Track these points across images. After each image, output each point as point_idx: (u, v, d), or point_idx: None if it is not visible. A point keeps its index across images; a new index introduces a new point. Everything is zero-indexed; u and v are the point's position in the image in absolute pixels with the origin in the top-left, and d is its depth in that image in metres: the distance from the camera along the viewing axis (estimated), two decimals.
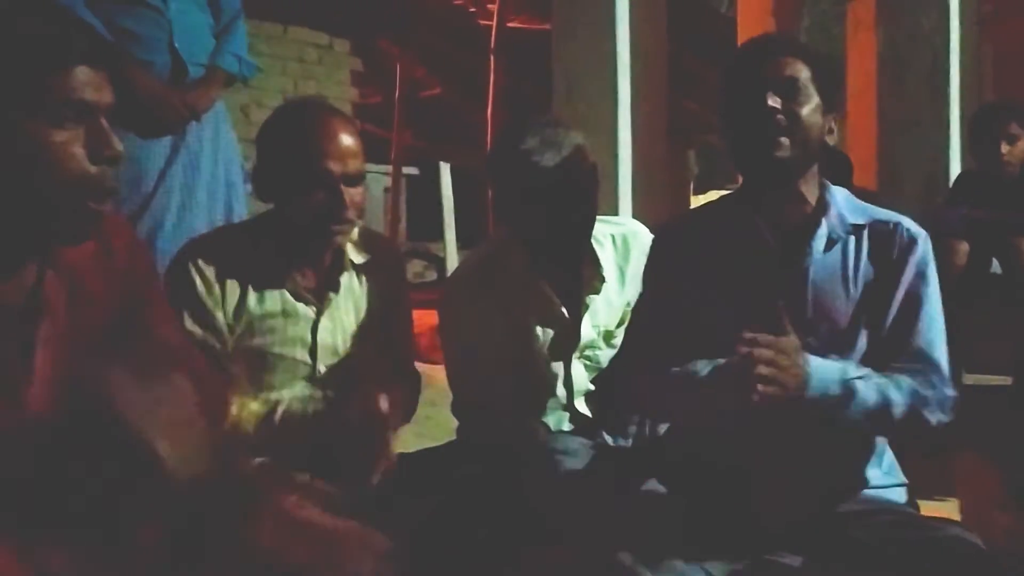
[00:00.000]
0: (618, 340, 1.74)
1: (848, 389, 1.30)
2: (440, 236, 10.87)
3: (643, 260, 1.74)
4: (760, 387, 1.22)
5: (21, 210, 0.94)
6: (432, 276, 10.53)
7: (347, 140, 1.51)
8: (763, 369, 1.23)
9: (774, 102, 1.34)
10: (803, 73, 1.38)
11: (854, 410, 1.30)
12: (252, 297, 1.54)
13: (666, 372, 1.40)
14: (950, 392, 1.37)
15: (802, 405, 1.28)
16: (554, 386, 1.73)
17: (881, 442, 1.44)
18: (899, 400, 1.32)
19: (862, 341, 1.39)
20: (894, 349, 1.37)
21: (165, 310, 1.19)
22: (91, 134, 0.94)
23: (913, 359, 1.37)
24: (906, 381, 1.34)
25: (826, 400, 1.29)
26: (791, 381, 1.25)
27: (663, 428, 1.65)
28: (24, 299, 0.99)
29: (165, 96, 2.21)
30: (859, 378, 1.31)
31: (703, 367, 1.36)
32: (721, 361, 1.31)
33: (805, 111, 1.37)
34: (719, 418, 1.34)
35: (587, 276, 1.72)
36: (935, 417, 1.35)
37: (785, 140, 1.35)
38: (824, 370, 1.29)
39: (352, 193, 1.51)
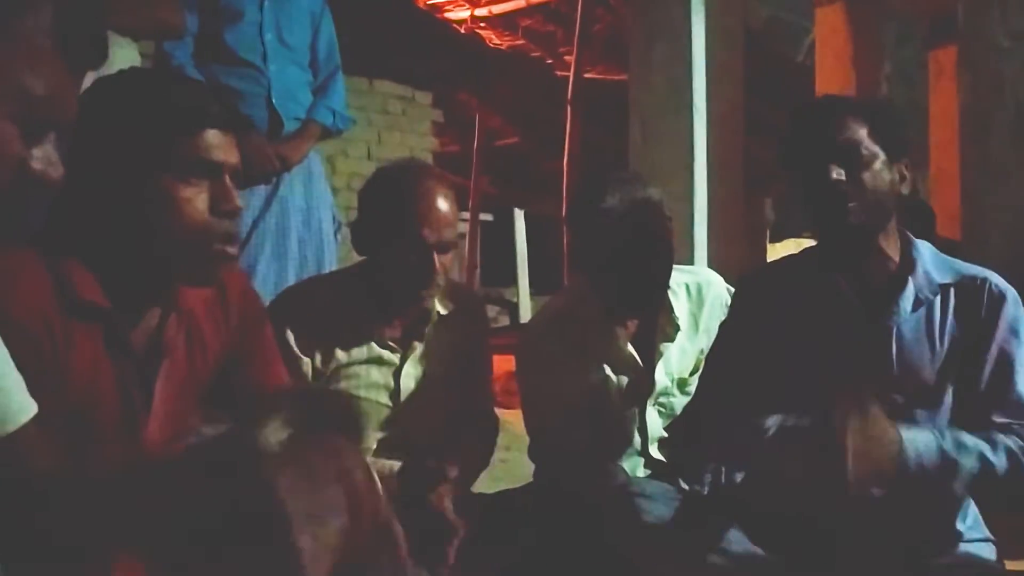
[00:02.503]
0: (692, 387, 1.76)
1: (948, 459, 1.28)
2: (513, 282, 10.96)
3: (717, 308, 1.77)
4: (855, 471, 1.20)
5: (150, 256, 1.04)
6: (505, 321, 10.57)
7: (444, 208, 1.55)
8: (855, 442, 1.20)
9: (838, 174, 1.32)
10: (861, 132, 1.34)
11: (958, 480, 1.29)
12: (341, 345, 1.61)
13: (739, 425, 1.40)
14: None
15: (904, 480, 1.26)
16: (629, 432, 1.75)
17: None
18: (1000, 462, 1.31)
19: (948, 397, 1.38)
20: (991, 404, 1.36)
21: (273, 356, 1.27)
22: (214, 190, 1.04)
23: (1014, 412, 1.35)
24: (1003, 440, 1.33)
25: (926, 472, 1.27)
26: (884, 457, 1.23)
27: (739, 475, 1.65)
28: (147, 340, 1.09)
29: (259, 148, 2.33)
30: (957, 446, 1.30)
31: (773, 424, 1.36)
32: (791, 420, 1.31)
33: (871, 173, 1.34)
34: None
35: (661, 324, 1.75)
36: None
37: (856, 206, 1.33)
38: (919, 441, 1.28)
39: (443, 259, 1.57)
